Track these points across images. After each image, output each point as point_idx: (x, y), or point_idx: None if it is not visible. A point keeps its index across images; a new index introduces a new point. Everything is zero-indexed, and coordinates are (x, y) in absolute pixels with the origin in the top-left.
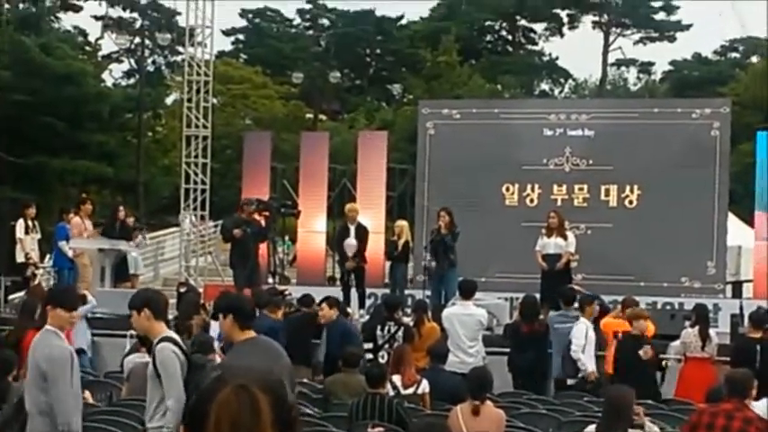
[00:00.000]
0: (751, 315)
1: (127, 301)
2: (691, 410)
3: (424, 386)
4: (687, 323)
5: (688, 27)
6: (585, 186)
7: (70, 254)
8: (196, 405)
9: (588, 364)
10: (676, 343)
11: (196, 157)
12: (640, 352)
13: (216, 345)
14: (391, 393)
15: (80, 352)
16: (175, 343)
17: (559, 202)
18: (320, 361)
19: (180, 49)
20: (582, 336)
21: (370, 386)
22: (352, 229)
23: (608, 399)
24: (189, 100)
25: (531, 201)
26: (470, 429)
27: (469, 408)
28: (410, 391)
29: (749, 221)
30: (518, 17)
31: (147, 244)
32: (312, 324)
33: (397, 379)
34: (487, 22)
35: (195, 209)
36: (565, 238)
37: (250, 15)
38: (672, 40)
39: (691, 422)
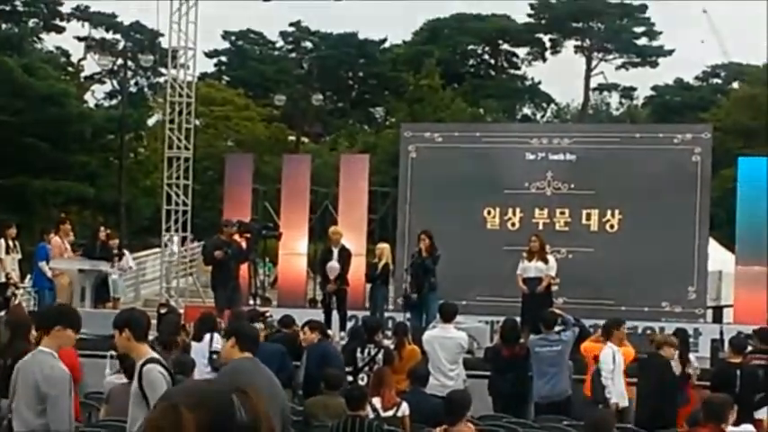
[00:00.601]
0: (731, 340)
1: (107, 322)
2: None
3: (404, 409)
4: None
5: (670, 53)
6: (567, 210)
7: (49, 274)
8: None
9: (614, 392)
10: None
11: (178, 178)
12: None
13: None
14: (371, 416)
15: None
16: (161, 364)
17: (541, 226)
18: (300, 383)
19: (162, 70)
20: (610, 361)
21: (350, 408)
22: (336, 251)
23: (589, 422)
24: (171, 121)
25: (513, 224)
26: None
27: (441, 431)
28: (390, 413)
29: (730, 247)
30: (500, 41)
31: (134, 268)
32: (292, 345)
33: (377, 401)
34: (470, 46)
35: (177, 230)
36: (546, 261)
37: (233, 37)
38: (654, 65)
39: None
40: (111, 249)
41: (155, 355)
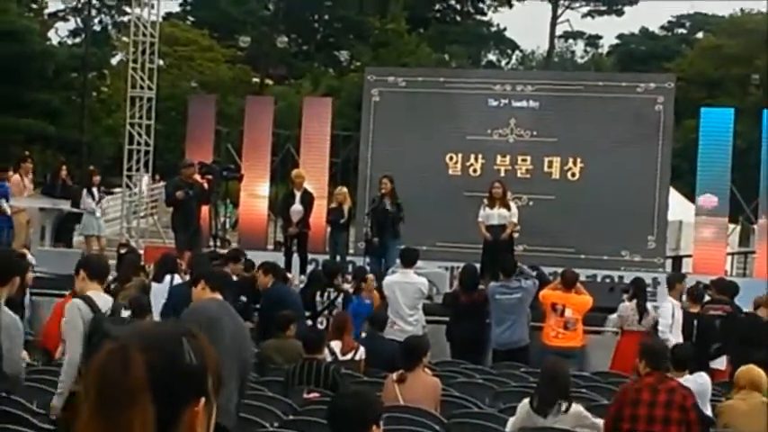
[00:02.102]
0: (689, 290)
1: (66, 261)
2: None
3: (361, 353)
4: (625, 296)
5: (636, 1)
6: (529, 158)
7: (9, 212)
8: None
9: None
10: (614, 316)
11: (140, 118)
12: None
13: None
14: (329, 359)
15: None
16: (89, 302)
17: (503, 173)
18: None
19: (127, 9)
20: (669, 315)
21: (306, 351)
22: (298, 195)
23: (543, 369)
24: (134, 61)
25: (475, 171)
26: (404, 397)
27: (396, 376)
28: (348, 357)
29: (691, 197)
30: None
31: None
32: (252, 289)
33: (335, 345)
34: None
35: (138, 170)
36: (508, 208)
37: None
38: (620, 13)
39: (617, 401)
40: (72, 188)
41: (91, 293)
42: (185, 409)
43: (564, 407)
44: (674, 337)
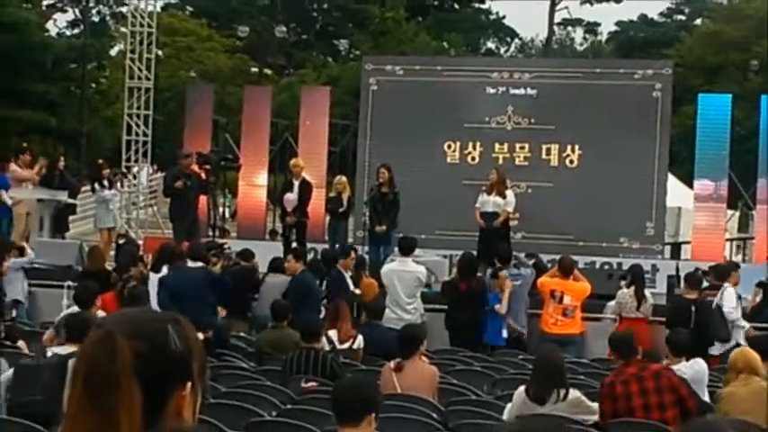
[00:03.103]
0: (687, 276)
1: (65, 253)
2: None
3: (359, 341)
4: (623, 283)
5: None
6: (527, 145)
7: (10, 203)
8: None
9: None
10: (612, 303)
11: (139, 108)
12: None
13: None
14: (327, 348)
15: (16, 302)
16: None
17: (501, 161)
18: (258, 316)
19: None
20: (733, 300)
21: (304, 340)
22: (296, 184)
23: (539, 357)
24: (132, 51)
25: (473, 159)
26: (402, 385)
27: (394, 364)
28: (345, 346)
29: (689, 183)
30: None
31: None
32: (250, 279)
33: (333, 334)
34: None
35: (137, 161)
36: (503, 196)
37: None
38: (618, 0)
39: (605, 397)
40: (69, 179)
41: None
42: (172, 394)
43: (562, 394)
44: (740, 318)
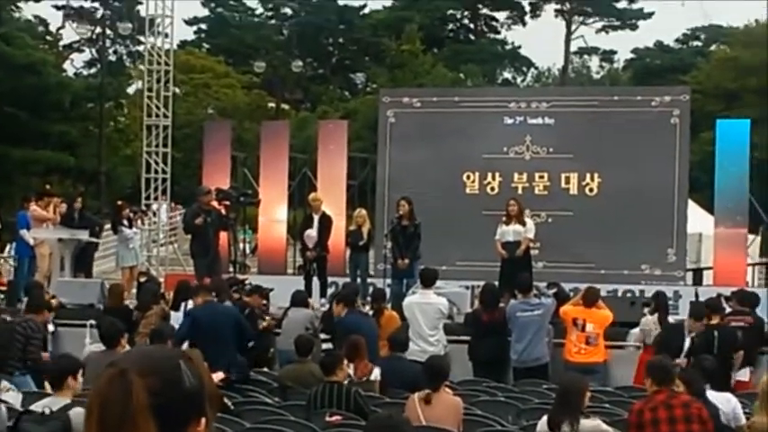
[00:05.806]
0: (708, 302)
1: (86, 292)
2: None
3: (376, 374)
4: (646, 310)
5: (650, 15)
6: (546, 174)
7: (32, 242)
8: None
9: None
10: (636, 330)
11: (157, 146)
12: None
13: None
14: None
15: None
16: None
17: (520, 191)
18: (281, 350)
19: (141, 38)
20: None
21: (325, 375)
22: (316, 218)
23: (559, 386)
24: (150, 89)
25: (492, 189)
26: (427, 417)
27: (422, 396)
28: (363, 379)
29: (710, 209)
30: (480, 5)
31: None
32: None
33: (350, 368)
34: (450, 11)
35: (156, 198)
36: (523, 224)
37: (212, 5)
38: (634, 28)
39: (633, 425)
40: (90, 218)
41: None
42: (186, 430)
43: (575, 424)
44: None
